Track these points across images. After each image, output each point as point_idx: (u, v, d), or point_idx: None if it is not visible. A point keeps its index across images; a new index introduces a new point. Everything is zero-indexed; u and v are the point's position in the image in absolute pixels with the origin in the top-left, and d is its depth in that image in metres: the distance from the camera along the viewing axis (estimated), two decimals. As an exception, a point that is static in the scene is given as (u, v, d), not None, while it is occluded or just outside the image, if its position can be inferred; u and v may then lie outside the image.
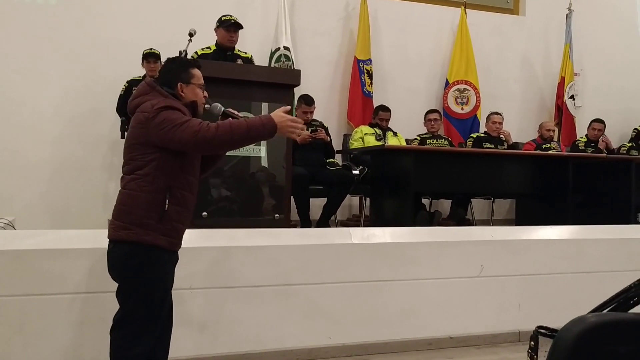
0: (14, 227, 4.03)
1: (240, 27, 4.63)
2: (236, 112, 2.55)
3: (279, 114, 2.31)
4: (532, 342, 1.49)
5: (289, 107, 2.42)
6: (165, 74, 2.48)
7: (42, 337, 2.90)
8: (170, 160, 2.28)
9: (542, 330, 1.47)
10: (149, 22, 5.67)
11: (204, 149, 2.33)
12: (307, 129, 5.19)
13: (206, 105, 2.54)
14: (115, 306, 2.32)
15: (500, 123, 6.11)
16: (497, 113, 6.16)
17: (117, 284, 2.32)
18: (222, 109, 2.54)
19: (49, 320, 2.91)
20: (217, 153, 2.50)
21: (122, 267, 2.29)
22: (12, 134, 5.33)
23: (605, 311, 1.46)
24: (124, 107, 5.39)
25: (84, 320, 2.93)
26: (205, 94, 2.51)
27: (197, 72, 2.47)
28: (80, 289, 2.93)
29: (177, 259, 2.46)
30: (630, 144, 6.95)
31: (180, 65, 2.47)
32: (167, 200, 2.26)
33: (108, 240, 2.32)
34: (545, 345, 1.34)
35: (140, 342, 2.26)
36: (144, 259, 2.26)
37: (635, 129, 7.16)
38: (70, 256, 2.94)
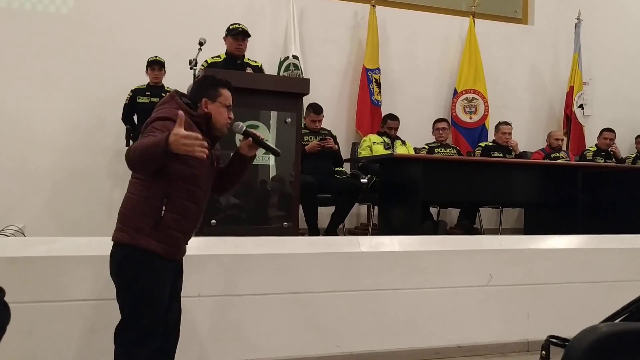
0: (24, 234, 4.05)
1: (248, 35, 4.66)
2: (257, 134, 2.51)
3: (173, 131, 2.09)
4: (544, 352, 1.49)
5: (196, 135, 2.12)
6: (195, 88, 2.49)
7: (51, 344, 2.91)
8: (169, 167, 2.23)
9: (554, 340, 1.47)
10: (159, 32, 5.71)
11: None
12: (316, 138, 5.21)
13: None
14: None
15: (510, 134, 6.11)
16: (506, 123, 6.15)
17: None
18: (244, 127, 2.50)
19: (58, 327, 2.92)
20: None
21: (118, 269, 2.29)
22: (22, 142, 5.37)
23: (617, 321, 1.45)
24: (128, 115, 5.47)
25: (93, 327, 2.94)
26: (231, 115, 2.45)
27: (226, 92, 2.44)
28: (91, 296, 2.94)
29: (180, 269, 2.44)
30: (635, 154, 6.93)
31: (210, 83, 2.46)
32: (163, 207, 2.24)
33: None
34: (556, 355, 1.34)
35: (141, 350, 2.25)
36: (139, 262, 2.24)
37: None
38: (80, 263, 2.96)
